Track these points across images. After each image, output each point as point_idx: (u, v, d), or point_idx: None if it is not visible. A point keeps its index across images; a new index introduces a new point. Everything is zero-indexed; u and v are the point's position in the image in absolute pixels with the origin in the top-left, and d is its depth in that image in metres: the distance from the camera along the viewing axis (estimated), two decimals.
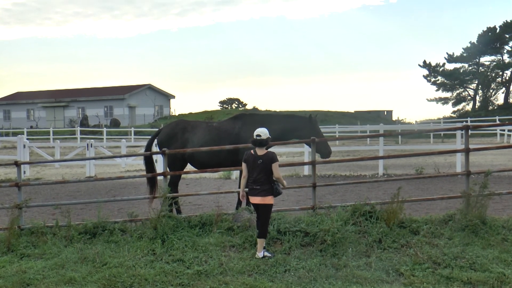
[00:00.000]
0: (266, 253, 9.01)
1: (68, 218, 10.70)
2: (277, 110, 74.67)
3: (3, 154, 33.17)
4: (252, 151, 9.17)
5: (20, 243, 10.29)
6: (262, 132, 9.09)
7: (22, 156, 23.02)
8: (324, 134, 12.34)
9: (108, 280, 8.49)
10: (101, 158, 20.24)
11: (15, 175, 12.32)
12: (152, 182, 12.03)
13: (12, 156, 26.59)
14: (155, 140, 12.43)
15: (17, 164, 11.58)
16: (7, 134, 56.57)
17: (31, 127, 71.83)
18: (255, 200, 9.13)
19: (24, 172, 22.21)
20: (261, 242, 9.06)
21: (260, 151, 9.07)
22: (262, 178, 9.00)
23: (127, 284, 8.40)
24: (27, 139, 29.26)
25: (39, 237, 10.45)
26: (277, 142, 11.02)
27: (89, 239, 10.26)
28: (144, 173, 12.73)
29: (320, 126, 12.32)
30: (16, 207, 10.95)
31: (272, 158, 9.02)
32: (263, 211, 9.13)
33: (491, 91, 77.08)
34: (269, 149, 9.47)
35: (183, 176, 16.26)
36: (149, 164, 12.43)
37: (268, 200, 9.05)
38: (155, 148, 12.90)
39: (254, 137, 9.07)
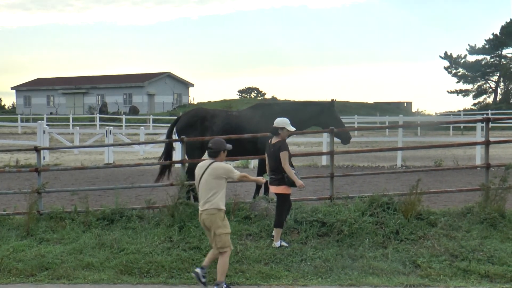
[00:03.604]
0: (283, 243, 9.02)
1: (86, 204, 10.77)
2: (296, 100, 74.43)
3: (23, 140, 33.47)
4: (270, 139, 9.17)
5: (39, 227, 10.39)
6: (277, 121, 9.05)
7: (42, 142, 23.20)
8: (342, 120, 12.27)
9: (125, 266, 8.57)
10: (120, 145, 20.43)
11: (35, 160, 12.41)
12: (165, 170, 12.06)
13: (32, 141, 26.81)
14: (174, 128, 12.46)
15: (37, 149, 11.69)
16: (27, 120, 57.02)
17: (51, 113, 72.26)
18: (271, 188, 9.15)
19: (44, 158, 22.39)
20: (277, 232, 9.06)
21: (274, 140, 9.05)
22: (274, 167, 8.97)
23: (144, 270, 8.47)
24: (47, 125, 29.49)
25: (58, 222, 10.54)
26: (295, 132, 10.92)
27: (107, 225, 10.33)
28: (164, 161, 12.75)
29: (339, 116, 12.26)
30: (35, 192, 11.04)
31: (279, 147, 8.91)
32: (277, 200, 9.13)
33: None
34: (287, 139, 9.45)
35: None
36: (168, 152, 12.45)
37: (281, 189, 9.00)
38: (174, 136, 12.92)
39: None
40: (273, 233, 9.16)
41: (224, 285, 7.57)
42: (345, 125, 12.80)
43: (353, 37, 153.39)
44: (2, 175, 17.84)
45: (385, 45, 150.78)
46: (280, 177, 8.93)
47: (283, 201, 9.12)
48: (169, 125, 13.16)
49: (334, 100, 11.95)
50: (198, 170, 7.80)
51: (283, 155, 8.88)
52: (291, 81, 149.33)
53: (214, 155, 7.73)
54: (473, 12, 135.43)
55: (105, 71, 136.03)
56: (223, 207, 7.67)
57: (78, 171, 18.75)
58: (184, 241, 9.38)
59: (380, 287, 7.78)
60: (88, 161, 23.69)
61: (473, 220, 9.70)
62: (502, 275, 7.88)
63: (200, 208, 7.69)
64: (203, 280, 7.70)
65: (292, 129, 9.13)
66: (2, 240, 9.96)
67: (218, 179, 7.61)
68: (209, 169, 7.62)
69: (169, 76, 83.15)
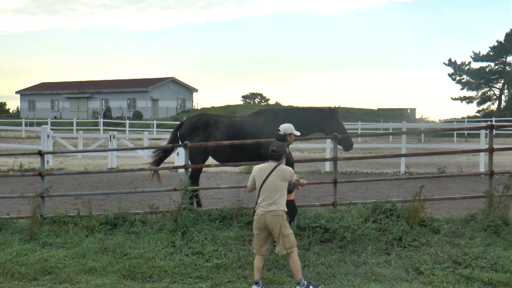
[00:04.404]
0: None
1: (89, 208, 10.78)
2: (300, 106, 74.44)
3: (27, 144, 33.54)
4: None
5: (42, 231, 10.39)
6: (283, 127, 9.01)
7: (45, 146, 23.25)
8: (345, 128, 12.27)
9: (127, 271, 8.56)
10: (124, 149, 20.47)
11: (39, 164, 12.44)
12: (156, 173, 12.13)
13: (36, 146, 26.88)
14: (177, 133, 12.47)
15: (40, 153, 11.71)
16: (31, 124, 57.12)
17: (55, 117, 72.36)
18: None
19: (48, 162, 22.38)
20: None
21: None
22: None
23: (146, 275, 8.46)
24: (51, 129, 29.57)
25: (61, 226, 10.55)
26: (299, 138, 10.92)
27: (110, 229, 10.33)
28: (167, 165, 12.76)
29: (342, 123, 12.27)
30: (38, 196, 11.06)
31: None
32: None
33: None
34: (290, 145, 9.42)
35: (204, 169, 16.32)
36: (163, 157, 12.42)
37: None
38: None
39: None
40: None
41: (305, 282, 7.69)
42: (348, 131, 12.80)
43: (357, 43, 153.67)
44: (6, 179, 17.87)
45: (389, 52, 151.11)
46: None
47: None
48: (172, 130, 13.17)
49: (337, 107, 11.96)
50: (259, 172, 7.90)
51: None
52: (295, 87, 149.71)
53: (278, 158, 7.90)
54: (478, 19, 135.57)
55: (109, 76, 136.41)
56: (286, 209, 7.87)
57: (81, 176, 18.78)
58: (187, 246, 9.38)
59: None
60: (91, 165, 23.71)
61: (477, 227, 9.68)
62: (505, 283, 7.86)
63: (262, 210, 7.74)
64: None
65: (298, 133, 9.13)
66: (5, 244, 9.96)
67: (285, 181, 7.81)
68: (276, 171, 7.77)
69: (173, 81, 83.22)
